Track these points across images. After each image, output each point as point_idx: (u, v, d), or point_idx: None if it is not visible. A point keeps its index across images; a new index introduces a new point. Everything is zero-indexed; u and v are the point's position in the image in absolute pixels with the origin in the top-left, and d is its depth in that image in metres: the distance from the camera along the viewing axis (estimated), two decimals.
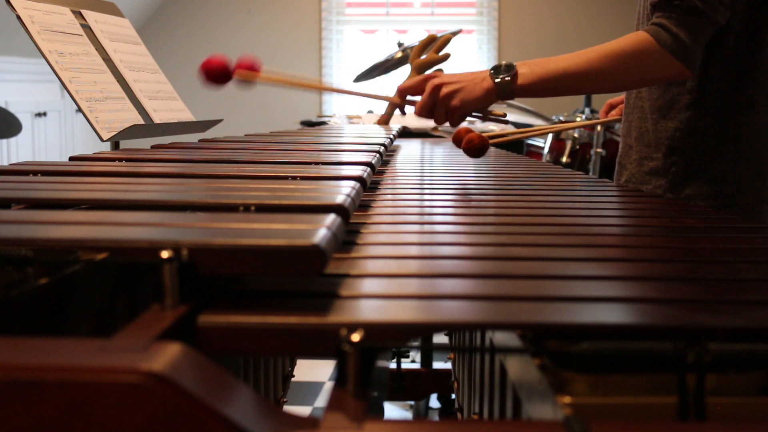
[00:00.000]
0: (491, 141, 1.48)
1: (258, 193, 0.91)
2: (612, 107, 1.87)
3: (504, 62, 1.32)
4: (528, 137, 1.82)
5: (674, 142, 1.38)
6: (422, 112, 1.34)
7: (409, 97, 1.41)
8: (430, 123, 2.85)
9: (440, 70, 2.17)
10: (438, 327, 0.57)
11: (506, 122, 1.42)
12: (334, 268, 0.70)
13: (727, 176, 1.35)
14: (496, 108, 1.40)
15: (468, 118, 1.40)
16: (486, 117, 1.38)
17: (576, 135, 3.58)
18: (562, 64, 1.30)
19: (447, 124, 1.39)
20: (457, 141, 1.58)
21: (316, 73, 5.71)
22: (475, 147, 1.42)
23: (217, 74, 1.41)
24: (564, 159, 3.51)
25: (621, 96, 1.75)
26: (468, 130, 1.53)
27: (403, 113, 1.44)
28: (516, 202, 1.19)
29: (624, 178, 1.48)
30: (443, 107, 1.32)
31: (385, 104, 2.70)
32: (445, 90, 1.31)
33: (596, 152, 3.40)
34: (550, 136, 3.73)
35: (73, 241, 0.59)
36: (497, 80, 1.30)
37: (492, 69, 1.33)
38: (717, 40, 1.32)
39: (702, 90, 1.35)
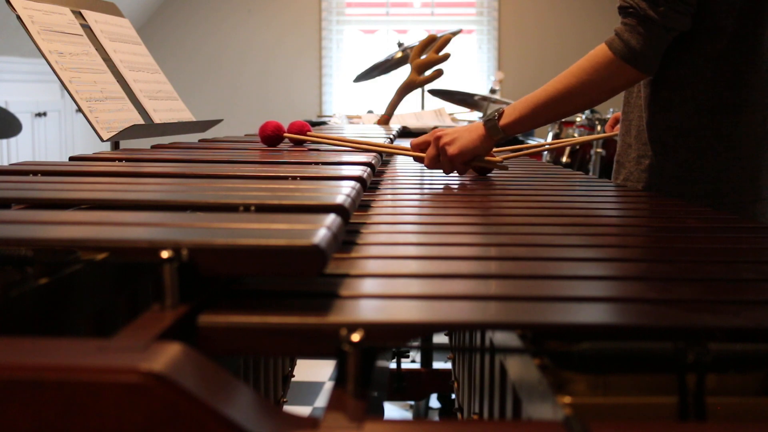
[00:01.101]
0: (499, 157, 1.49)
1: (258, 193, 0.91)
2: (617, 121, 1.87)
3: (498, 108, 1.42)
4: (533, 152, 1.82)
5: (668, 141, 1.39)
6: (430, 164, 1.44)
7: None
8: (430, 123, 2.85)
9: (440, 71, 2.16)
10: (438, 327, 0.57)
11: (504, 168, 1.49)
12: (334, 268, 0.70)
13: (721, 175, 1.36)
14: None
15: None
16: (481, 163, 1.44)
17: (576, 135, 3.58)
18: (537, 95, 1.37)
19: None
20: None
21: (316, 73, 5.71)
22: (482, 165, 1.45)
23: (272, 138, 1.60)
24: (564, 159, 3.51)
25: None
26: None
27: (420, 161, 1.52)
28: (516, 202, 1.19)
29: (622, 176, 1.49)
30: (445, 156, 1.41)
31: (385, 104, 2.70)
32: (443, 140, 1.41)
33: (596, 152, 3.40)
34: (549, 136, 3.74)
35: (73, 241, 0.59)
36: (484, 122, 1.39)
37: (485, 116, 1.43)
38: (710, 38, 1.33)
39: (695, 89, 1.36)
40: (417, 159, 1.49)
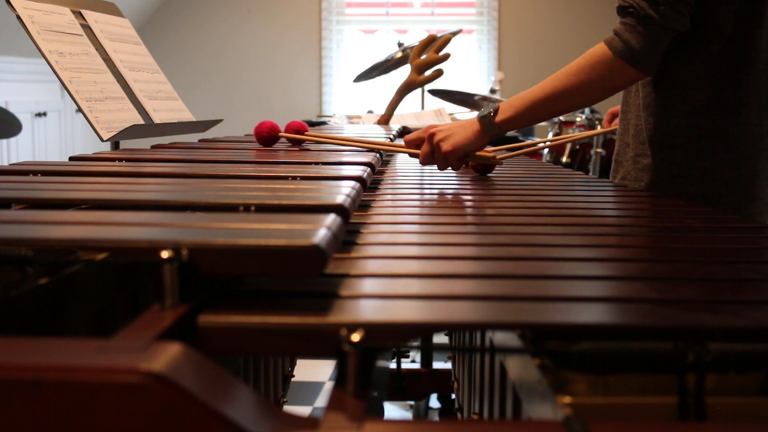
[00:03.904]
0: (499, 156, 1.49)
1: (258, 193, 0.91)
2: (614, 116, 1.88)
3: (494, 106, 1.41)
4: (533, 150, 1.81)
5: (665, 141, 1.39)
6: (424, 160, 1.43)
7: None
8: (430, 123, 2.84)
9: (440, 71, 2.16)
10: (438, 327, 0.57)
11: (498, 162, 1.48)
12: (334, 268, 0.70)
13: (717, 175, 1.36)
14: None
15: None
16: (475, 159, 1.44)
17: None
18: (534, 93, 1.36)
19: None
20: None
21: (316, 73, 5.71)
22: (483, 164, 1.44)
23: (267, 138, 1.60)
24: (564, 159, 3.51)
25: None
26: None
27: (416, 157, 1.51)
28: (516, 202, 1.19)
29: (620, 175, 1.49)
30: (439, 152, 1.40)
31: (385, 104, 2.70)
32: (437, 137, 1.40)
33: (596, 152, 3.40)
34: (549, 136, 3.74)
35: (73, 241, 0.59)
36: (480, 119, 1.38)
37: (479, 112, 1.42)
38: (708, 39, 1.33)
39: (692, 89, 1.36)
40: (412, 155, 1.49)
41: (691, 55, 1.35)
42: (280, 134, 1.60)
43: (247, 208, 0.79)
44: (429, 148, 1.41)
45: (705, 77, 1.35)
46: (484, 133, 1.39)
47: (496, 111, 1.38)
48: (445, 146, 1.39)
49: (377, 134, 1.97)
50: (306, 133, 1.63)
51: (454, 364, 1.58)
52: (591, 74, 1.32)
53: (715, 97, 1.35)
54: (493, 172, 1.48)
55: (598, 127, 3.53)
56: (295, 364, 1.59)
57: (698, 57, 1.34)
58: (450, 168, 1.43)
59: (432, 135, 1.41)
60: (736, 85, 1.35)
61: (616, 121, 1.85)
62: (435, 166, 1.44)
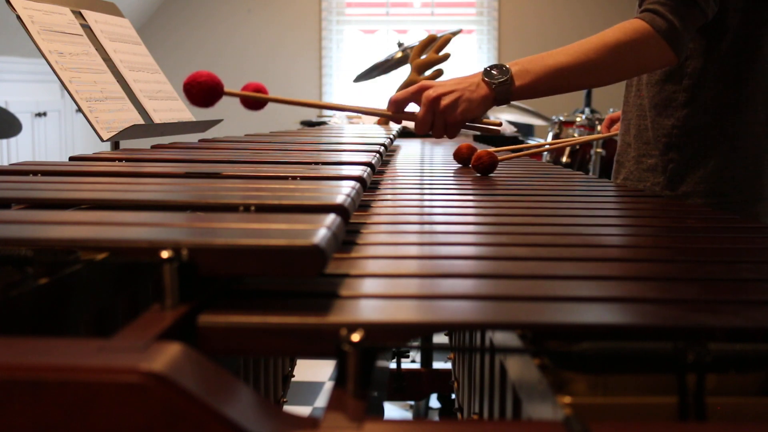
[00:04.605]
0: (500, 158, 1.47)
1: (258, 193, 0.91)
2: (613, 122, 1.87)
3: (496, 65, 1.29)
4: (534, 152, 1.81)
5: (671, 140, 1.39)
6: (422, 129, 1.31)
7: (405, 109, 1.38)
8: None
9: (440, 71, 2.15)
10: (438, 327, 0.57)
11: (498, 132, 1.39)
12: (334, 268, 0.70)
13: (723, 174, 1.36)
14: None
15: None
16: (481, 128, 1.36)
17: (576, 135, 3.58)
18: (559, 59, 1.26)
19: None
20: (461, 158, 1.58)
21: (316, 73, 5.71)
22: (484, 165, 1.42)
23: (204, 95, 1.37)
24: (564, 159, 3.51)
25: (620, 111, 1.76)
26: (469, 147, 1.54)
27: (398, 123, 1.41)
28: (516, 202, 1.19)
29: (622, 176, 1.49)
30: (443, 121, 1.29)
31: (384, 105, 2.70)
32: (444, 102, 1.28)
33: (596, 152, 3.40)
34: (549, 136, 3.74)
35: (73, 241, 0.59)
36: (494, 86, 1.27)
37: (484, 73, 1.29)
38: (714, 38, 1.33)
39: (699, 88, 1.36)
40: (395, 119, 1.37)
41: (698, 54, 1.34)
42: (226, 92, 1.37)
43: (247, 208, 0.79)
44: (430, 116, 1.29)
45: (712, 76, 1.35)
46: (493, 100, 1.28)
47: (510, 78, 1.27)
48: (456, 114, 1.27)
49: (377, 134, 1.97)
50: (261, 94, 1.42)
51: (454, 364, 1.58)
52: (630, 51, 1.25)
53: (722, 96, 1.35)
54: (494, 171, 1.48)
55: (598, 127, 3.53)
56: (295, 364, 1.59)
57: (705, 56, 1.34)
58: (446, 136, 1.33)
59: (435, 100, 1.28)
60: (742, 83, 1.35)
61: (616, 126, 1.85)
62: (434, 166, 1.43)
